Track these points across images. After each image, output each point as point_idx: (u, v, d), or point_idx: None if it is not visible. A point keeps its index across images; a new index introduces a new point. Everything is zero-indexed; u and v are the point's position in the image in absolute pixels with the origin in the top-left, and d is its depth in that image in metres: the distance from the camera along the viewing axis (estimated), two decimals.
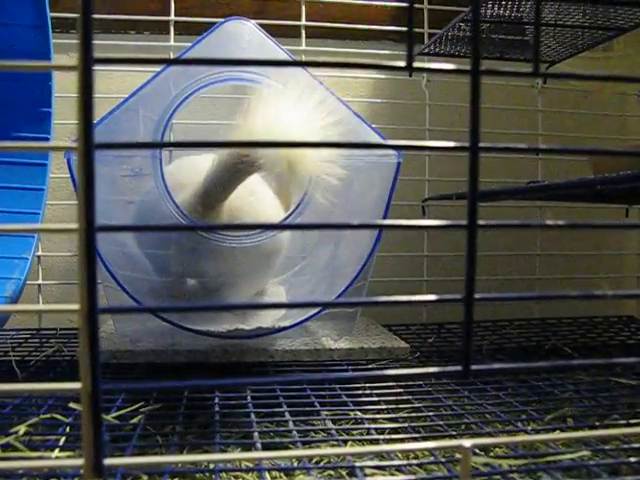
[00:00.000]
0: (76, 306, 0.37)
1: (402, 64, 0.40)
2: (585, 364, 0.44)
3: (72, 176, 0.81)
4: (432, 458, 0.61)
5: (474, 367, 0.41)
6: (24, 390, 0.37)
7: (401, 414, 0.75)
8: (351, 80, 1.38)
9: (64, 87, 1.03)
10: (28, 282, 1.01)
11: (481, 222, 0.40)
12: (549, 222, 0.42)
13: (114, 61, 0.38)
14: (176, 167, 1.02)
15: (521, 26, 1.18)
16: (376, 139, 0.82)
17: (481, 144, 0.40)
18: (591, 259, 1.45)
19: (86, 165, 0.36)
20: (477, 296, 0.40)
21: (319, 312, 0.88)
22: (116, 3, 1.28)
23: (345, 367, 0.94)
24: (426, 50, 1.27)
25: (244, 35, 0.89)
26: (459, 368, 0.41)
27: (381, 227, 0.40)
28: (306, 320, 0.89)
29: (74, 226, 0.37)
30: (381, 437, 0.64)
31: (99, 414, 0.38)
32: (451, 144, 0.41)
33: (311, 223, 0.89)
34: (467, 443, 0.42)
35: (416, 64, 0.40)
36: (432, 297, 0.41)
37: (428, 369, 0.41)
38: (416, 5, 1.31)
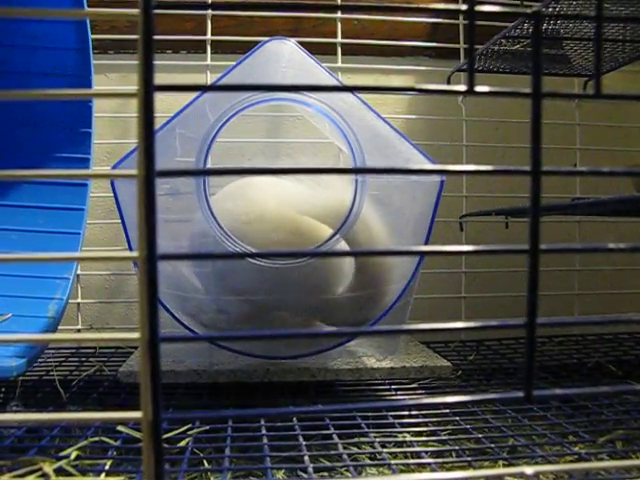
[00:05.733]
0: (137, 334, 0.37)
1: (463, 88, 0.39)
2: None
3: (116, 199, 0.81)
4: None
5: (536, 393, 0.40)
6: (87, 419, 0.36)
7: (449, 436, 0.74)
8: (386, 96, 1.37)
9: (98, 106, 1.04)
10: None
11: (543, 246, 0.40)
12: (611, 245, 0.41)
13: (175, 89, 0.37)
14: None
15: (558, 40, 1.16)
16: (420, 158, 0.81)
17: (543, 168, 0.40)
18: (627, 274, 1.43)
19: (147, 193, 0.36)
20: (540, 321, 0.40)
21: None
22: None
23: (388, 386, 0.93)
24: (464, 67, 1.26)
25: (284, 54, 0.89)
26: (521, 394, 0.40)
27: (443, 253, 0.39)
28: (349, 340, 0.88)
29: (134, 254, 0.37)
30: (433, 461, 0.63)
31: (160, 444, 0.37)
32: (512, 168, 0.40)
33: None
34: (529, 470, 0.42)
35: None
36: (494, 322, 0.40)
37: (488, 395, 0.40)
38: (454, 21, 1.31)
